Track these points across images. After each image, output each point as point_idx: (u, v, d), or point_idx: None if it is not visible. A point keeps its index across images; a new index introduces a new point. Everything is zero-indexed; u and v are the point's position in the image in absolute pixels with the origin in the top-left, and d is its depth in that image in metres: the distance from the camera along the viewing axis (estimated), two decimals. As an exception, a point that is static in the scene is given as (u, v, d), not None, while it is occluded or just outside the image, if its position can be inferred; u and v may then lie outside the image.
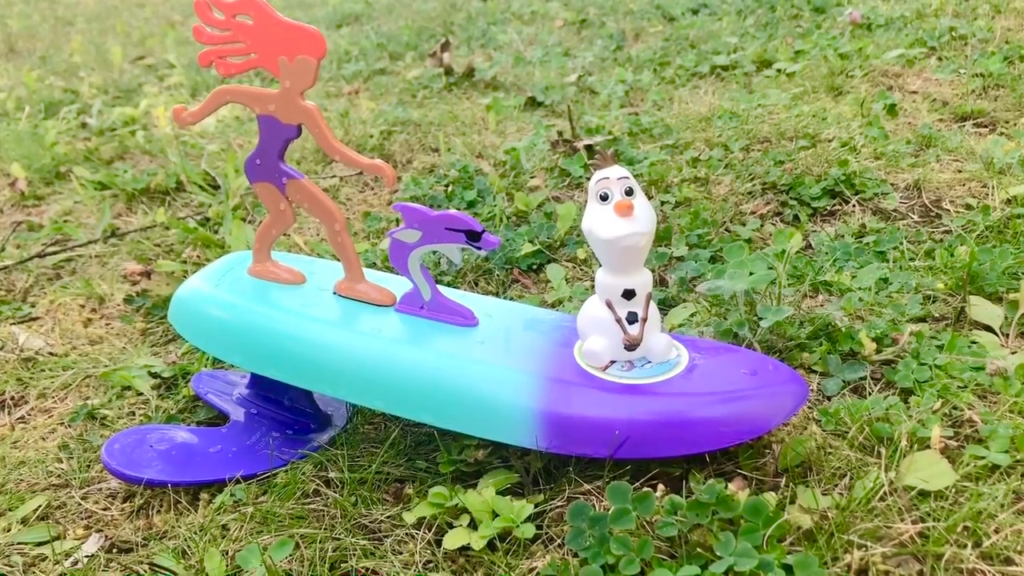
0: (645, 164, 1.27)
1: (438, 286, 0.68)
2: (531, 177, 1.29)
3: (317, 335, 0.67)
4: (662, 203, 1.15)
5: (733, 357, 0.63)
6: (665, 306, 0.91)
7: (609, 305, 0.61)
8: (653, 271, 0.98)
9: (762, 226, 1.13)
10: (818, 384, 0.74)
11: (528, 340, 0.66)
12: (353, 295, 0.70)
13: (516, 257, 1.02)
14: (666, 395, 0.59)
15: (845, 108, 1.53)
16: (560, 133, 1.40)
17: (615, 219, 0.58)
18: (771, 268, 0.85)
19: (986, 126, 1.45)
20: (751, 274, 0.80)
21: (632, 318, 0.60)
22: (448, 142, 1.47)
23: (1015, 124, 1.44)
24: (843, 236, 1.09)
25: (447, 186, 1.25)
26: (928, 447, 0.62)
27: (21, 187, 1.40)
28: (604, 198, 0.59)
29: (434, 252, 0.67)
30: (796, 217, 1.15)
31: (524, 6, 2.71)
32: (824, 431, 0.66)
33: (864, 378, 0.73)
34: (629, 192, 0.59)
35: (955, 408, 0.68)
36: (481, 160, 1.36)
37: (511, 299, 0.96)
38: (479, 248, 0.63)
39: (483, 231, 0.63)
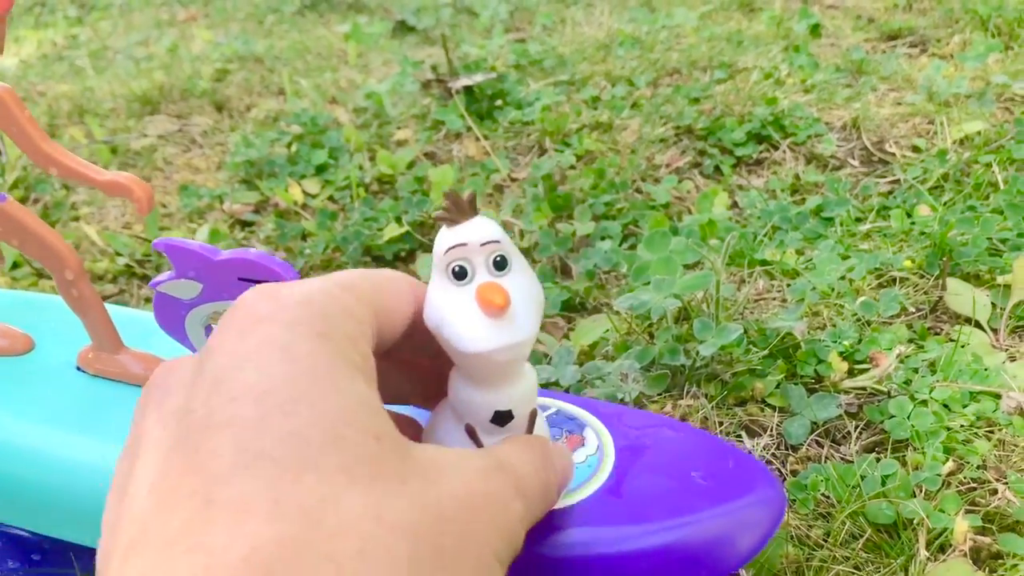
0: (536, 108, 1.04)
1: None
2: (397, 128, 1.05)
3: (48, 452, 0.43)
4: (559, 161, 0.93)
5: (675, 446, 0.43)
6: (570, 312, 0.70)
7: (471, 433, 0.37)
8: (552, 261, 0.77)
9: (680, 182, 0.93)
10: (777, 426, 0.55)
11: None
12: (107, 371, 0.46)
13: (378, 244, 0.79)
14: (582, 525, 0.38)
15: (761, 28, 1.33)
16: (434, 68, 1.16)
17: (480, 320, 0.33)
18: (701, 260, 0.65)
19: (916, 46, 1.28)
20: (676, 273, 0.59)
21: None
22: (295, 84, 1.21)
23: (947, 43, 1.27)
24: (775, 191, 0.90)
25: (289, 145, 0.99)
26: (952, 549, 0.43)
27: None
28: (460, 275, 0.33)
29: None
30: (718, 169, 0.96)
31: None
32: (802, 527, 0.47)
33: (839, 417, 0.55)
34: (500, 264, 0.34)
35: (966, 462, 0.51)
36: (336, 107, 1.11)
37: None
38: None
39: (297, 279, 0.39)
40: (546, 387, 0.59)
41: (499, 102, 1.06)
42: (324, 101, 1.11)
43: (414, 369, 0.36)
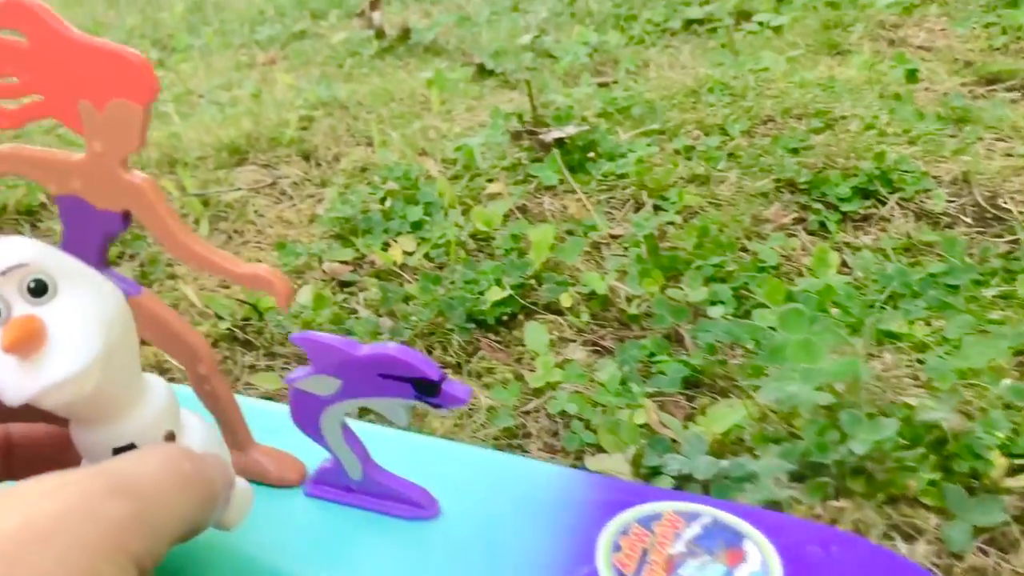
0: (630, 160, 1.02)
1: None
2: (488, 181, 1.03)
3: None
4: (664, 220, 0.90)
5: (849, 565, 0.39)
6: (691, 390, 0.67)
7: None
8: (668, 328, 0.74)
9: (787, 238, 0.89)
10: (935, 528, 0.51)
11: (533, 542, 0.41)
12: (242, 471, 0.44)
13: (481, 309, 0.77)
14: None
15: (852, 73, 1.30)
16: (519, 117, 1.14)
17: (12, 365, 0.27)
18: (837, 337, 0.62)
19: (1018, 90, 1.23)
20: (821, 360, 0.56)
21: None
22: (383, 133, 1.20)
23: (1051, 87, 1.22)
24: (886, 252, 0.86)
25: (383, 200, 0.98)
26: None
27: None
28: None
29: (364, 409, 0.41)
30: (823, 225, 0.92)
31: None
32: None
33: (1006, 523, 0.51)
34: (38, 290, 0.28)
35: None
36: (425, 158, 1.09)
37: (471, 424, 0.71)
38: (438, 406, 0.38)
39: (442, 378, 0.37)
40: (680, 480, 0.56)
41: (591, 154, 1.04)
42: (414, 152, 1.10)
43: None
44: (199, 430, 0.33)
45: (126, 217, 0.40)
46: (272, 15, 1.93)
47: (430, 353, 0.74)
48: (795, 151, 1.04)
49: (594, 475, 0.46)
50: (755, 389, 0.63)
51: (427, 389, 0.37)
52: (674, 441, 0.60)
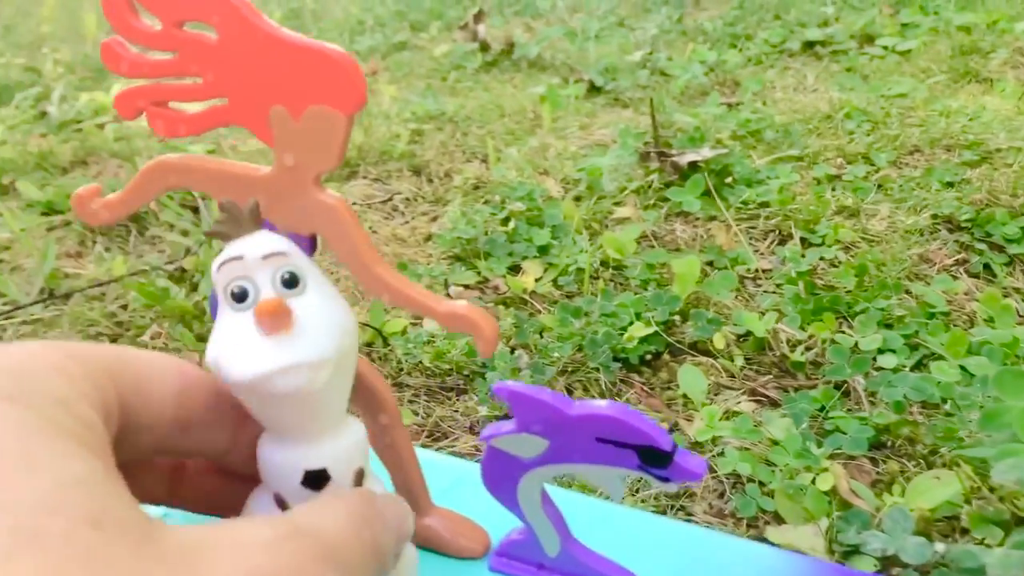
0: (772, 187, 0.94)
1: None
2: (615, 204, 0.96)
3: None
4: (817, 255, 0.82)
5: None
6: (873, 452, 0.59)
7: (280, 503, 0.30)
8: (839, 379, 0.66)
9: (952, 281, 0.81)
10: None
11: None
12: (417, 537, 0.38)
13: (624, 347, 0.70)
14: None
15: (997, 101, 1.20)
16: (643, 138, 1.07)
17: (257, 341, 0.27)
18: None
19: None
20: None
21: None
22: (497, 149, 1.14)
23: None
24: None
25: (506, 221, 0.92)
26: None
27: (-53, 208, 1.08)
28: (240, 298, 0.27)
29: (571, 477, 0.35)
30: (987, 267, 0.83)
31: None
32: None
33: None
34: (290, 281, 0.28)
35: None
36: (546, 178, 1.03)
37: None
38: (665, 480, 0.31)
39: (674, 449, 0.30)
40: (884, 562, 0.49)
41: (728, 179, 0.96)
42: (533, 171, 1.03)
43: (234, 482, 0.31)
44: (379, 482, 0.30)
45: (312, 241, 0.34)
46: (372, 25, 1.89)
47: (570, 393, 0.67)
48: (949, 184, 0.96)
49: (816, 560, 0.39)
50: (961, 457, 0.55)
51: (655, 459, 0.30)
52: (875, 516, 0.52)
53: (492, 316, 0.33)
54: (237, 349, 0.26)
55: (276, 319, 0.26)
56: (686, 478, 0.29)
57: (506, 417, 0.34)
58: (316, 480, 0.29)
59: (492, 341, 0.32)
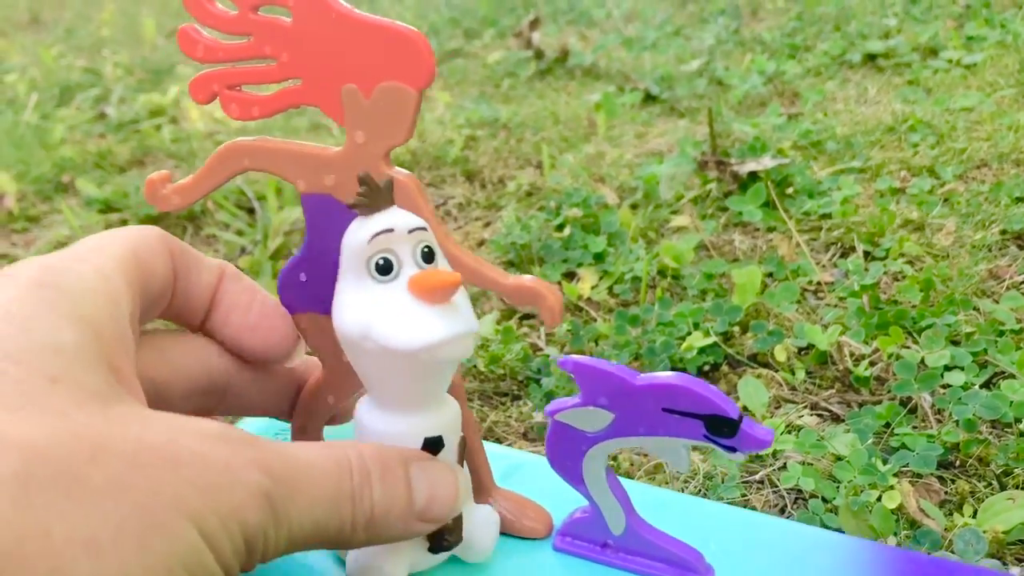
0: (835, 199, 0.92)
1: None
2: (672, 212, 0.95)
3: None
4: (882, 269, 0.80)
5: None
6: (950, 472, 0.57)
7: None
8: (905, 395, 0.64)
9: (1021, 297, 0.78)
10: None
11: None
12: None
13: (682, 357, 0.69)
14: None
15: (1068, 116, 1.17)
16: (701, 147, 1.06)
17: (421, 312, 0.28)
18: None
19: None
20: None
21: None
22: (551, 156, 1.13)
23: None
24: None
25: (560, 227, 0.91)
26: None
27: (9, 204, 1.10)
28: (385, 269, 0.29)
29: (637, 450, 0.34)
30: (1058, 284, 0.81)
31: (614, -25, 2.35)
32: None
33: None
34: (429, 256, 0.29)
35: None
36: (601, 185, 1.02)
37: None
38: (732, 450, 0.30)
39: (740, 417, 0.29)
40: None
41: (789, 189, 0.94)
42: (590, 179, 1.02)
43: (264, 376, 0.36)
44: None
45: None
46: (426, 32, 1.89)
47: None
48: (1020, 200, 0.93)
49: (888, 547, 0.37)
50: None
51: (722, 428, 0.29)
52: (947, 538, 0.50)
53: (556, 289, 0.33)
54: (399, 319, 0.28)
55: (450, 291, 0.28)
56: (753, 447, 0.29)
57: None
58: (434, 446, 0.31)
59: (557, 311, 0.32)
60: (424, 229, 0.29)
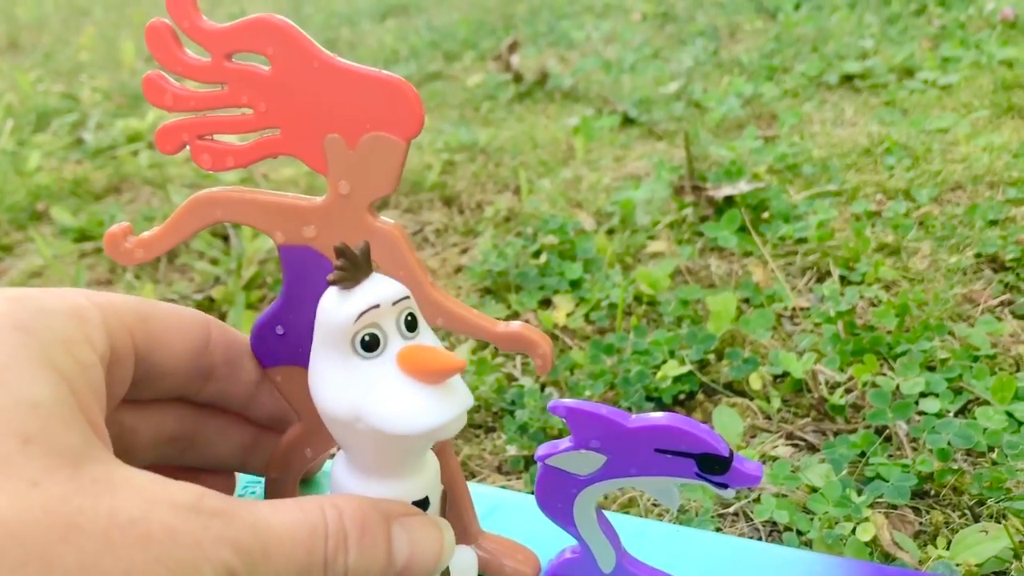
0: (810, 223, 0.92)
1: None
2: (649, 238, 0.95)
3: None
4: (858, 294, 0.80)
5: None
6: (924, 502, 0.56)
7: None
8: (880, 423, 0.64)
9: (997, 322, 0.78)
10: None
11: None
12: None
13: (657, 387, 0.68)
14: None
15: (1042, 137, 1.18)
16: (678, 171, 1.06)
17: (417, 393, 0.27)
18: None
19: None
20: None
21: None
22: (529, 181, 1.13)
23: None
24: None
25: (537, 254, 0.91)
26: None
27: (-19, 234, 1.09)
28: (371, 346, 0.27)
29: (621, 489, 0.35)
30: (1034, 307, 0.81)
31: (594, -4, 2.36)
32: None
33: None
34: (412, 324, 0.28)
35: None
36: (579, 211, 1.02)
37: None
38: (723, 487, 0.30)
39: (731, 455, 0.30)
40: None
41: (765, 214, 0.95)
42: (566, 203, 1.02)
43: (236, 429, 0.36)
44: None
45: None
46: (406, 55, 1.90)
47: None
48: (995, 223, 0.93)
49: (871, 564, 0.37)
50: (1009, 510, 0.52)
51: (714, 466, 0.30)
52: (923, 568, 0.49)
53: (546, 336, 0.33)
54: (395, 402, 0.27)
55: (449, 371, 0.27)
56: (744, 483, 0.30)
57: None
58: (423, 507, 0.31)
59: (549, 357, 0.33)
60: (408, 298, 0.28)
